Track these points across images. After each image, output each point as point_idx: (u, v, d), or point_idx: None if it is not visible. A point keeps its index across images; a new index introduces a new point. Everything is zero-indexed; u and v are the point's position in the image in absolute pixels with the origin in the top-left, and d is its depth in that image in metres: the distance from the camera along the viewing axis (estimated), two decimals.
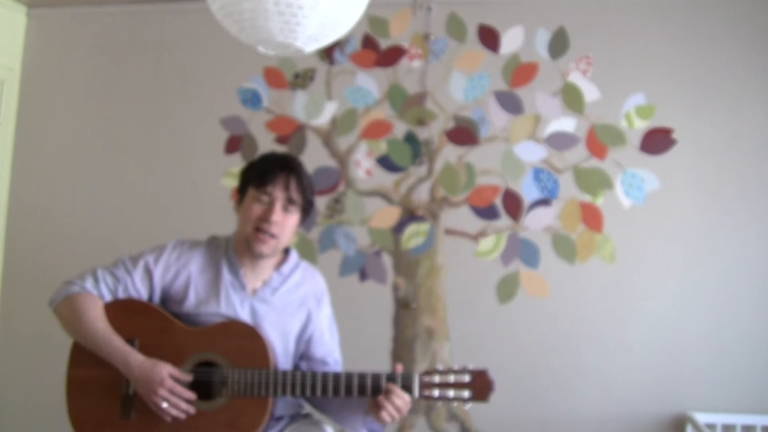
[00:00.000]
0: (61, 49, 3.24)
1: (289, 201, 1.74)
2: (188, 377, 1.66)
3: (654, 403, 2.70)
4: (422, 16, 2.96)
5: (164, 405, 1.63)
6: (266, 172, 1.73)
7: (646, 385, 2.71)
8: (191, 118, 3.08)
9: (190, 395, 1.65)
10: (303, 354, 1.85)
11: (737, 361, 2.67)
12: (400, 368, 1.68)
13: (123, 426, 1.69)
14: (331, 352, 1.87)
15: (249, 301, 1.78)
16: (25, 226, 3.18)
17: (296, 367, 1.85)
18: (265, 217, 1.72)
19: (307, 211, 1.79)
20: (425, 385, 1.67)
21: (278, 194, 1.73)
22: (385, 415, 1.63)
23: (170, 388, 1.63)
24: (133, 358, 1.66)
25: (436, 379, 1.67)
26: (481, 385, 1.66)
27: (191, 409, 1.65)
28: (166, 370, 1.64)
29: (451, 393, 1.66)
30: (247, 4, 1.39)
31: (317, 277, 1.90)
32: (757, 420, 2.62)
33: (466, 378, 1.67)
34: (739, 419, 2.63)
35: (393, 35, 2.98)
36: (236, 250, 1.81)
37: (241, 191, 1.79)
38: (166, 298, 1.78)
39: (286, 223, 1.74)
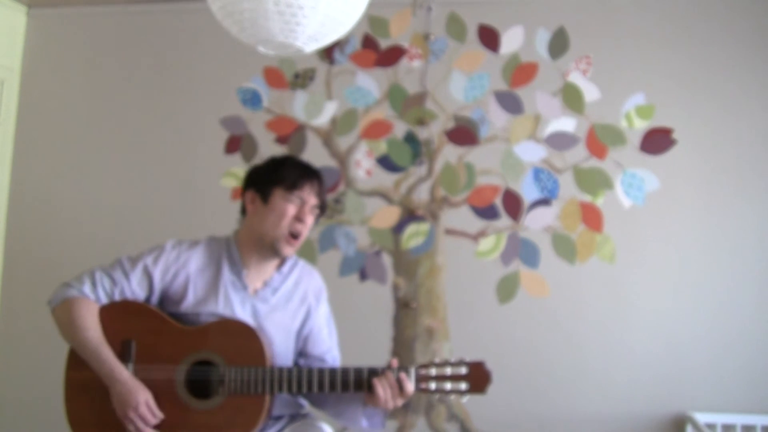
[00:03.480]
0: (61, 49, 3.24)
1: (317, 206, 1.80)
2: (160, 415, 1.67)
3: (654, 403, 2.70)
4: (422, 16, 2.96)
5: (131, 428, 1.65)
6: (302, 176, 1.78)
7: (646, 385, 2.71)
8: (191, 118, 3.08)
9: (155, 422, 1.66)
10: (301, 351, 1.86)
11: (737, 361, 2.67)
12: (395, 362, 1.68)
13: (121, 427, 1.68)
14: (330, 350, 1.89)
15: (250, 301, 1.79)
16: (26, 226, 3.18)
17: (295, 364, 1.86)
18: (300, 218, 1.76)
19: (323, 214, 1.87)
20: (422, 378, 1.67)
21: (311, 199, 1.78)
22: (380, 391, 1.63)
23: (141, 415, 1.64)
24: (118, 372, 1.67)
25: (433, 371, 1.67)
26: (478, 377, 1.66)
27: None
28: (144, 397, 1.65)
29: (448, 385, 1.66)
30: (247, 4, 1.39)
31: (315, 274, 1.92)
32: (757, 420, 2.62)
33: (463, 370, 1.66)
34: (739, 419, 2.63)
35: (393, 35, 2.98)
36: (240, 249, 1.81)
37: (262, 191, 1.79)
38: (164, 299, 1.79)
39: (309, 225, 1.80)
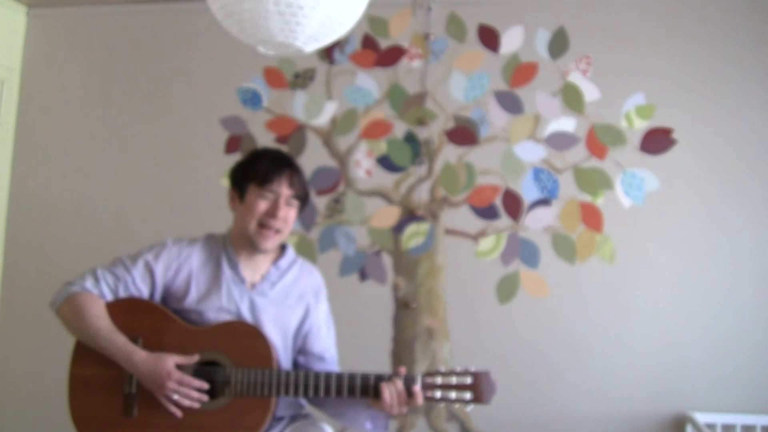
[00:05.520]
0: (61, 49, 3.24)
1: (293, 197, 1.78)
2: (194, 359, 1.66)
3: (654, 402, 2.70)
4: (422, 16, 2.96)
5: (176, 397, 1.63)
6: (270, 170, 1.76)
7: (646, 384, 2.71)
8: (191, 118, 3.08)
9: (200, 383, 1.65)
10: (300, 348, 1.86)
11: (737, 361, 2.67)
12: (403, 370, 1.69)
13: (125, 424, 1.69)
14: (328, 348, 1.89)
15: (248, 295, 1.79)
16: (26, 226, 3.18)
17: (294, 361, 1.86)
18: (272, 213, 1.75)
19: (305, 203, 1.84)
20: (427, 386, 1.68)
21: (283, 191, 1.76)
22: (386, 396, 1.63)
23: (178, 380, 1.63)
24: (136, 355, 1.66)
25: (438, 380, 1.68)
26: (482, 387, 1.67)
27: (204, 397, 1.65)
28: (171, 361, 1.64)
29: (452, 395, 1.67)
30: (247, 4, 1.39)
31: (314, 272, 1.92)
32: (757, 420, 2.62)
33: (468, 380, 1.68)
34: (739, 419, 2.63)
35: (393, 35, 2.98)
36: (233, 245, 1.82)
37: (240, 189, 1.80)
38: (167, 295, 1.79)
39: (289, 218, 1.78)
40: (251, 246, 1.78)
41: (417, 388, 1.65)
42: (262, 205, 1.75)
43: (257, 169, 1.77)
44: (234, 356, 1.69)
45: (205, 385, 1.66)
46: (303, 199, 1.82)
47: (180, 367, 1.66)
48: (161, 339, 1.71)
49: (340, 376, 1.69)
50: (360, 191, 2.95)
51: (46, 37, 3.25)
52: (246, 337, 1.71)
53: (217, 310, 1.75)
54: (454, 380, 1.68)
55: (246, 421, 1.67)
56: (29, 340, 3.10)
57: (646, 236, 2.76)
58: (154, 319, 1.74)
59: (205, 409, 1.67)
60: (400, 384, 1.65)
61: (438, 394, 1.67)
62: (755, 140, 2.73)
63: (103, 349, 1.68)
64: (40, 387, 3.02)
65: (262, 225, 1.75)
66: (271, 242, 1.77)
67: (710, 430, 2.58)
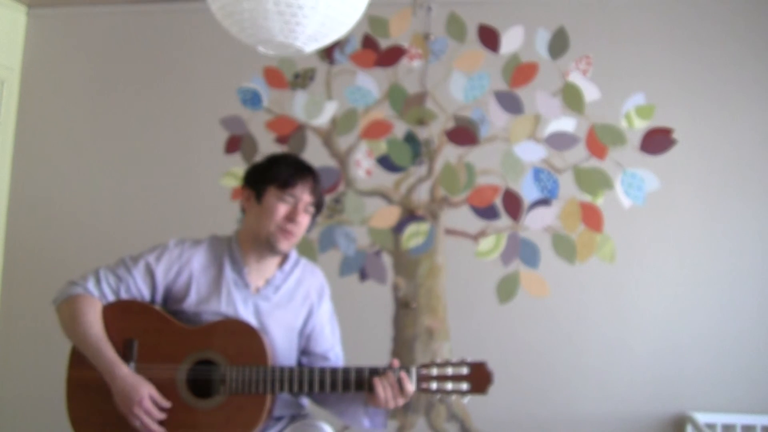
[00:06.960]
0: (61, 49, 3.24)
1: (312, 204, 1.79)
2: (166, 404, 1.66)
3: (654, 403, 2.70)
4: (422, 16, 2.96)
5: (137, 423, 1.64)
6: (294, 174, 1.77)
7: (646, 385, 2.71)
8: (191, 118, 3.08)
9: (161, 417, 1.66)
10: (304, 349, 1.86)
11: (737, 361, 2.67)
12: (396, 363, 1.69)
13: (123, 426, 1.68)
14: (332, 347, 1.89)
15: (252, 299, 1.79)
16: (25, 226, 3.17)
17: (298, 362, 1.86)
18: (292, 218, 1.75)
19: (318, 211, 1.85)
20: (423, 378, 1.66)
21: (305, 197, 1.77)
22: (380, 391, 1.63)
23: (146, 410, 1.64)
24: (119, 369, 1.66)
25: (434, 371, 1.66)
26: (479, 378, 1.65)
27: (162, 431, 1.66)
28: (146, 390, 1.65)
29: (449, 386, 1.65)
30: (247, 4, 1.39)
31: (317, 272, 1.92)
32: (757, 420, 2.62)
33: (465, 370, 1.66)
34: (739, 419, 2.63)
35: (393, 35, 2.98)
36: (241, 248, 1.81)
37: (257, 189, 1.79)
38: (167, 296, 1.79)
39: (304, 224, 1.79)
40: (265, 247, 1.77)
41: (404, 374, 1.64)
42: (282, 209, 1.75)
43: (279, 172, 1.77)
44: (229, 354, 1.70)
45: (163, 419, 1.66)
46: (318, 207, 1.83)
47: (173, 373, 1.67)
48: (157, 340, 1.72)
49: (334, 371, 1.69)
50: (360, 191, 2.95)
51: (46, 37, 3.25)
52: (241, 335, 1.71)
53: (214, 315, 1.75)
54: (450, 371, 1.66)
55: (242, 418, 1.67)
56: (29, 341, 3.09)
57: (646, 236, 2.76)
58: (149, 320, 1.74)
59: (201, 408, 1.68)
60: (392, 377, 1.64)
61: (434, 385, 1.65)
62: (755, 140, 2.73)
63: (90, 356, 1.69)
64: (39, 388, 3.02)
65: (281, 229, 1.75)
66: (288, 245, 1.77)
67: (710, 430, 2.58)
